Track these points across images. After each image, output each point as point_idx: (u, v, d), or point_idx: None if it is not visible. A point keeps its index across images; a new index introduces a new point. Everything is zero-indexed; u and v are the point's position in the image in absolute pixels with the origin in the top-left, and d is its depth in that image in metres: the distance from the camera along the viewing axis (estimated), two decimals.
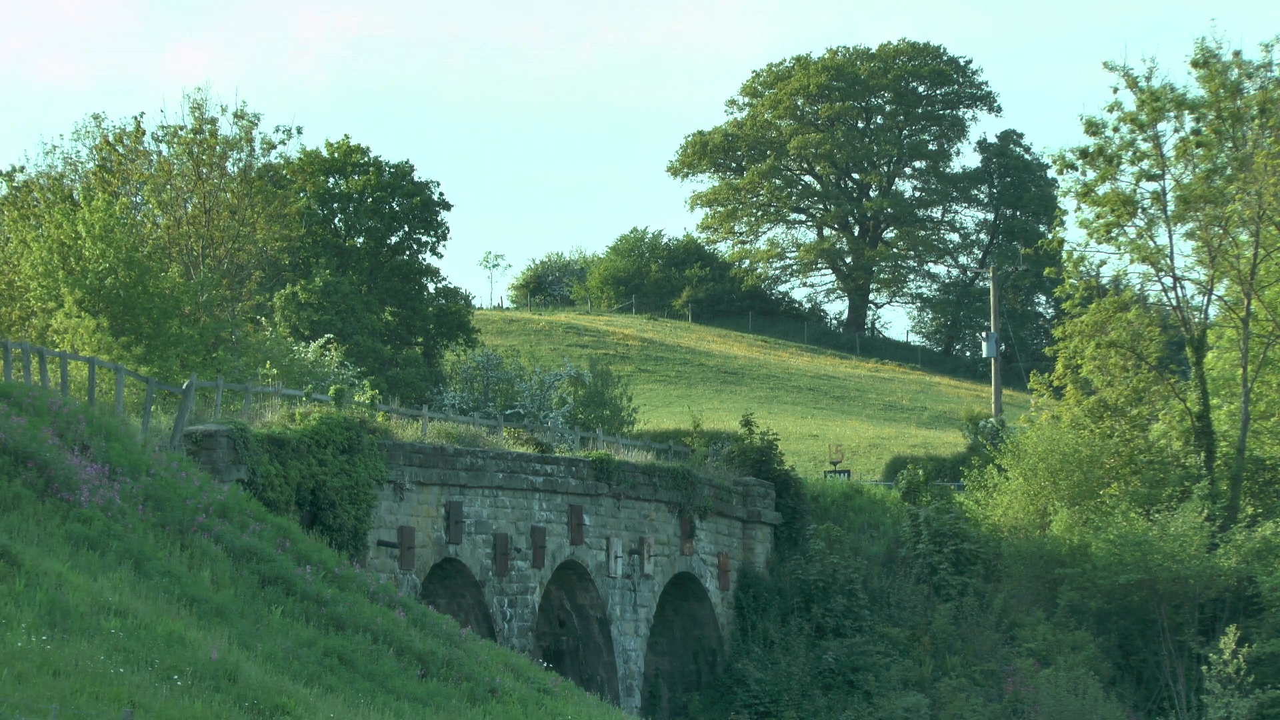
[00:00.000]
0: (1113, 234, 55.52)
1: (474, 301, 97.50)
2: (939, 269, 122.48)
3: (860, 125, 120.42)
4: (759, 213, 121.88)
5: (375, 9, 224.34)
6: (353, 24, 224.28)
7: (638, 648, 46.78)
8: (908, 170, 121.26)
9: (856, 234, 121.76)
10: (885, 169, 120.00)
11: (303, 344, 56.98)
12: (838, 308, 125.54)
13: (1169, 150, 55.12)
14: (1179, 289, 56.11)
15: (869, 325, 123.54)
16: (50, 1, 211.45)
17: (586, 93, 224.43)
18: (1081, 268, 56.88)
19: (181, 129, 54.85)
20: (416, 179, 70.75)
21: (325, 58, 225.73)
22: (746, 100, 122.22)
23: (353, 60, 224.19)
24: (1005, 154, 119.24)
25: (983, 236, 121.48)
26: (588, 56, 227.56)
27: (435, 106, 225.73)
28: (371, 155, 70.60)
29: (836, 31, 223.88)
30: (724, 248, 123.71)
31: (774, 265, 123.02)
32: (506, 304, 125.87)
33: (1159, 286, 57.09)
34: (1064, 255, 57.31)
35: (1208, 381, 54.97)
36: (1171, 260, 55.53)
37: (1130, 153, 55.21)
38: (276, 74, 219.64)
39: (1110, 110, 55.17)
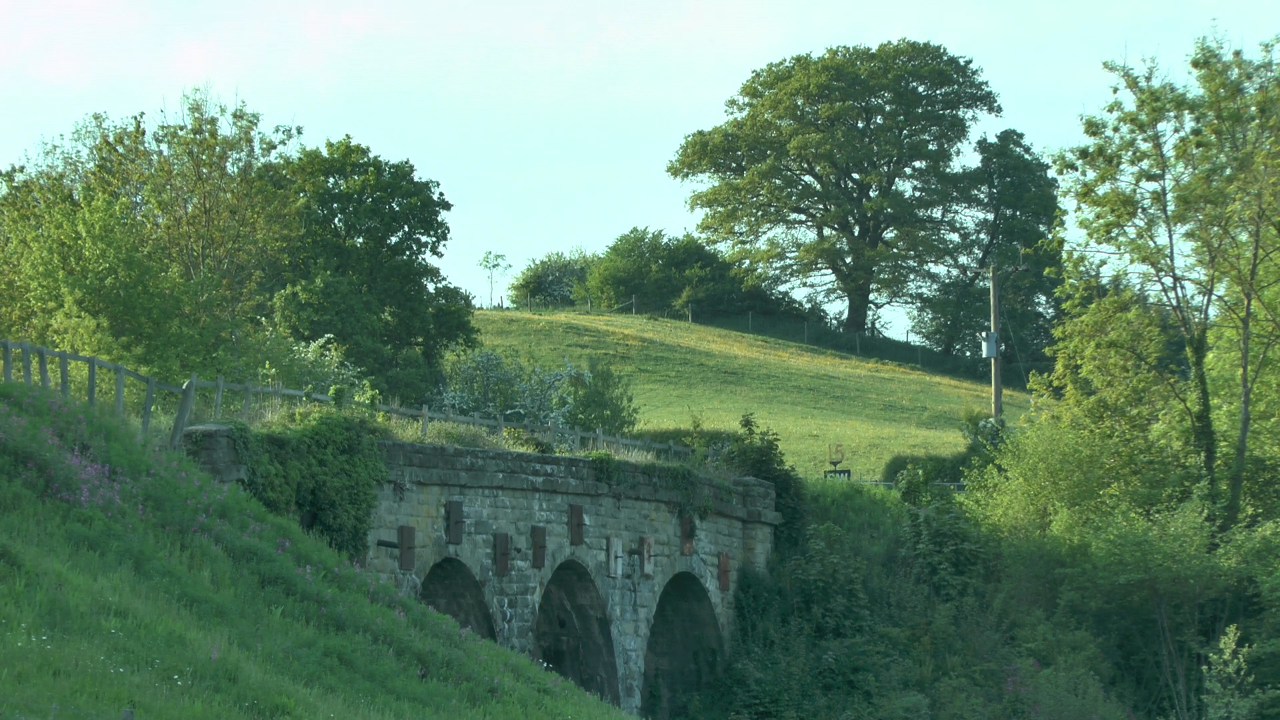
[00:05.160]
0: (1113, 234, 55.54)
1: (474, 301, 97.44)
2: (939, 269, 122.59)
3: (860, 125, 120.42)
4: (759, 213, 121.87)
5: (382, 8, 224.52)
6: (360, 23, 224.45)
7: (638, 648, 46.78)
8: (908, 170, 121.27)
9: (856, 234, 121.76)
10: (885, 169, 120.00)
11: (303, 344, 56.97)
12: (838, 308, 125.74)
13: (1169, 150, 55.15)
14: (1179, 289, 56.20)
15: (869, 325, 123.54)
16: (56, 0, 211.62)
17: (591, 92, 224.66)
18: (1081, 268, 56.92)
19: (181, 129, 54.86)
20: (416, 179, 70.74)
21: (332, 57, 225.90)
22: (746, 100, 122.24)
23: (359, 60, 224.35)
24: (1005, 154, 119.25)
25: (983, 236, 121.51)
26: (594, 55, 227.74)
27: (441, 106, 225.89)
28: (371, 155, 70.61)
29: (840, 31, 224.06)
30: (724, 248, 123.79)
31: (774, 265, 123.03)
32: (506, 304, 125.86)
33: (1159, 286, 57.21)
34: (1064, 255, 57.33)
35: (1208, 381, 54.98)
36: (1171, 260, 55.57)
37: (1130, 153, 55.23)
38: (283, 74, 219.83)
39: (1110, 110, 55.23)
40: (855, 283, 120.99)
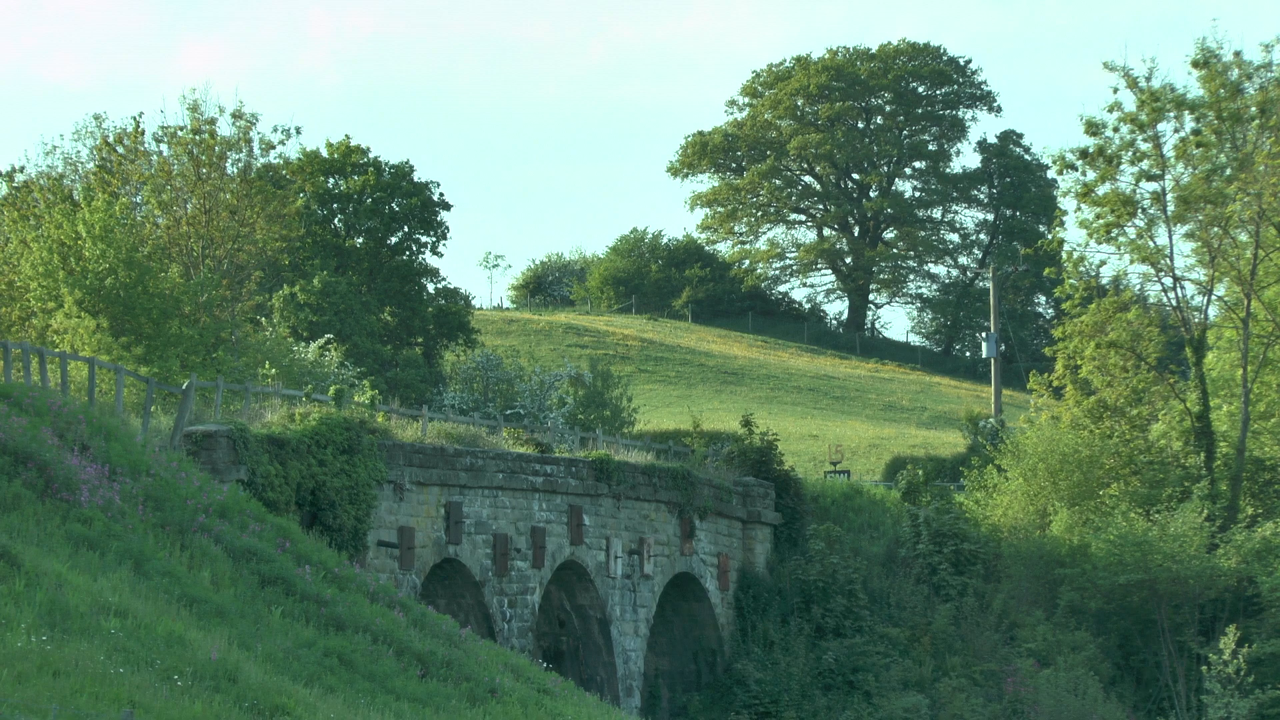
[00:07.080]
0: (1113, 234, 55.53)
1: (474, 302, 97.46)
2: (939, 269, 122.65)
3: (860, 125, 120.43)
4: (759, 213, 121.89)
5: (387, 8, 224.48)
6: (365, 23, 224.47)
7: (638, 648, 46.77)
8: (908, 170, 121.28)
9: (856, 234, 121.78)
10: (885, 169, 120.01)
11: (302, 344, 56.97)
12: (838, 308, 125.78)
13: (1169, 150, 55.14)
14: (1179, 289, 56.20)
15: (869, 325, 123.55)
16: (60, 0, 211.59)
17: (595, 91, 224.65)
18: (1081, 268, 56.90)
19: (180, 129, 54.87)
20: (416, 179, 70.75)
21: (337, 57, 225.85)
22: (747, 100, 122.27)
23: (364, 59, 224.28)
24: (1005, 154, 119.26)
25: (983, 236, 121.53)
26: (597, 55, 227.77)
27: (445, 106, 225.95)
28: (371, 155, 70.63)
29: (841, 31, 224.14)
30: (724, 248, 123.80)
31: (774, 265, 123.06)
32: (506, 304, 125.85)
33: (1159, 287, 57.19)
34: (1064, 255, 57.31)
35: (1207, 382, 54.98)
36: (1171, 260, 55.57)
37: (1130, 153, 55.22)
38: (287, 73, 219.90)
39: (1110, 110, 55.21)
40: (855, 283, 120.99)
